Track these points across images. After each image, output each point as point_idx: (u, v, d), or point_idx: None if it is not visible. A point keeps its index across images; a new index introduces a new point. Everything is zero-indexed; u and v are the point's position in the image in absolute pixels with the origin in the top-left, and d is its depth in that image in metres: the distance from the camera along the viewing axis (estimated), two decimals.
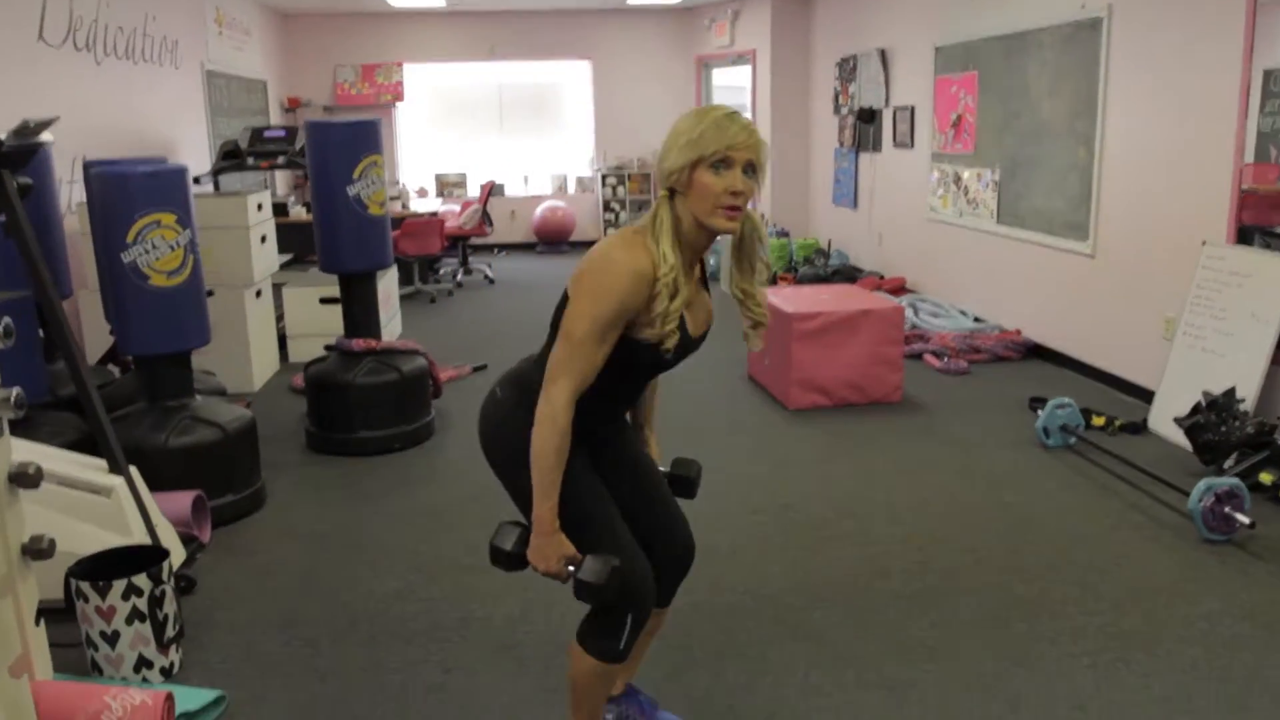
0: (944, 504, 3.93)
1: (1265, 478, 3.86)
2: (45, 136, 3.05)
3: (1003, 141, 6.46)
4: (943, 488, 4.11)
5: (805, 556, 3.50)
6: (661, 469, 2.37)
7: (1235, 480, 3.54)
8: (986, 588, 3.23)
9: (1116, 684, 2.67)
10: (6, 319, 2.18)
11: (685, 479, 2.37)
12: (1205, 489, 3.51)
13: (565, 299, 2.03)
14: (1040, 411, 4.63)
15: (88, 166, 4.01)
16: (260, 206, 5.80)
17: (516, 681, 2.73)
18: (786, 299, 5.40)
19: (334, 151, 4.38)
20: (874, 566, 3.40)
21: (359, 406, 4.53)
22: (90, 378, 3.19)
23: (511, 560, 2.05)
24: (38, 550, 2.22)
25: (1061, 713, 2.55)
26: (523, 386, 2.13)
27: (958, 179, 7.09)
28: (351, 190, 4.39)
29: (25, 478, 2.20)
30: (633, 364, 2.05)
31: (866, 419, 5.06)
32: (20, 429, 3.43)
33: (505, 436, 2.14)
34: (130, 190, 3.52)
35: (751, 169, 1.95)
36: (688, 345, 2.08)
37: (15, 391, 2.20)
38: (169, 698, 2.26)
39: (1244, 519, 3.46)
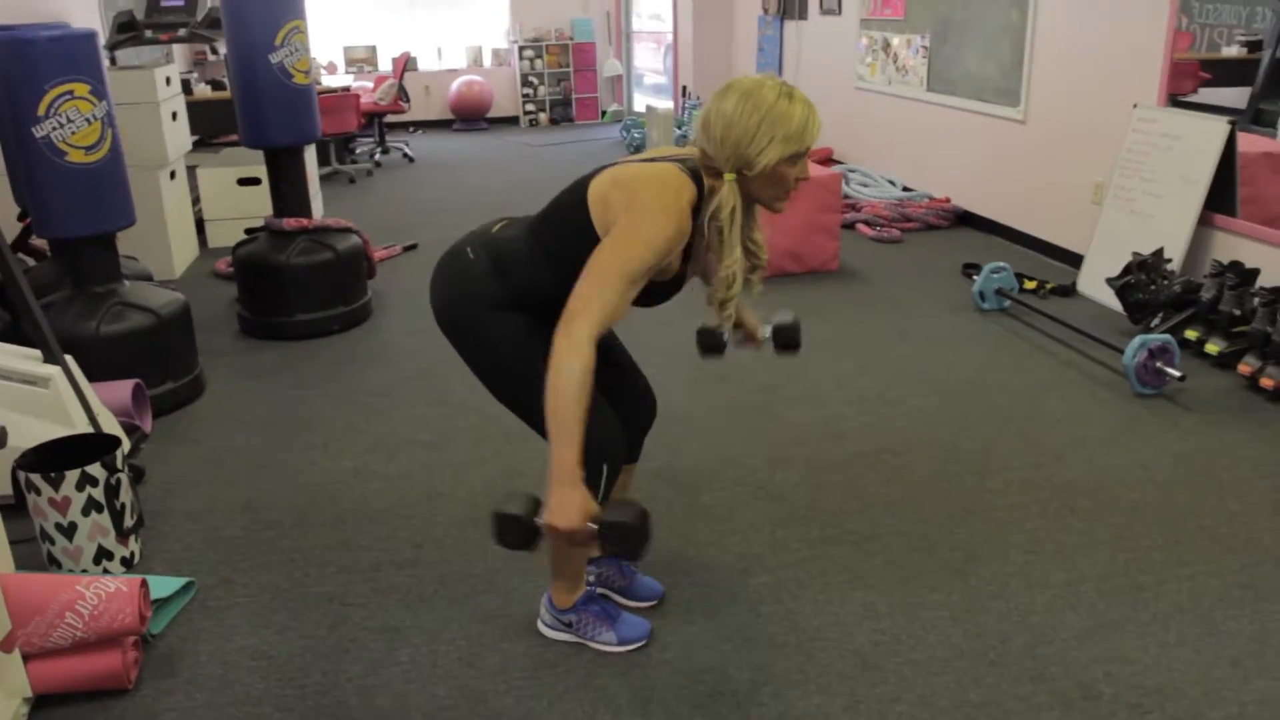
0: (889, 368, 4.02)
1: (1191, 334, 4.02)
2: None
3: (934, 6, 6.39)
4: (886, 352, 4.20)
5: (759, 421, 3.55)
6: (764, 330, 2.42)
7: (1167, 336, 3.68)
8: (936, 445, 3.34)
9: (1064, 529, 2.81)
10: None
11: (789, 327, 2.38)
12: (1139, 345, 3.64)
13: (579, 190, 2.00)
14: (976, 277, 4.73)
15: None
16: (169, 81, 5.47)
17: (488, 552, 2.74)
18: None
19: (253, 16, 4.11)
20: (828, 429, 3.48)
21: (294, 288, 4.38)
22: (16, 262, 3.01)
23: (521, 532, 1.79)
24: None
25: (1016, 557, 2.68)
26: (501, 255, 2.08)
27: (887, 46, 7.03)
28: (274, 58, 4.15)
29: None
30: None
31: (806, 287, 5.10)
32: None
33: (472, 303, 2.09)
34: (37, 57, 3.26)
35: None
36: (680, 286, 2.14)
37: None
38: (143, 584, 2.21)
39: (1175, 373, 3.62)
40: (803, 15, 8.37)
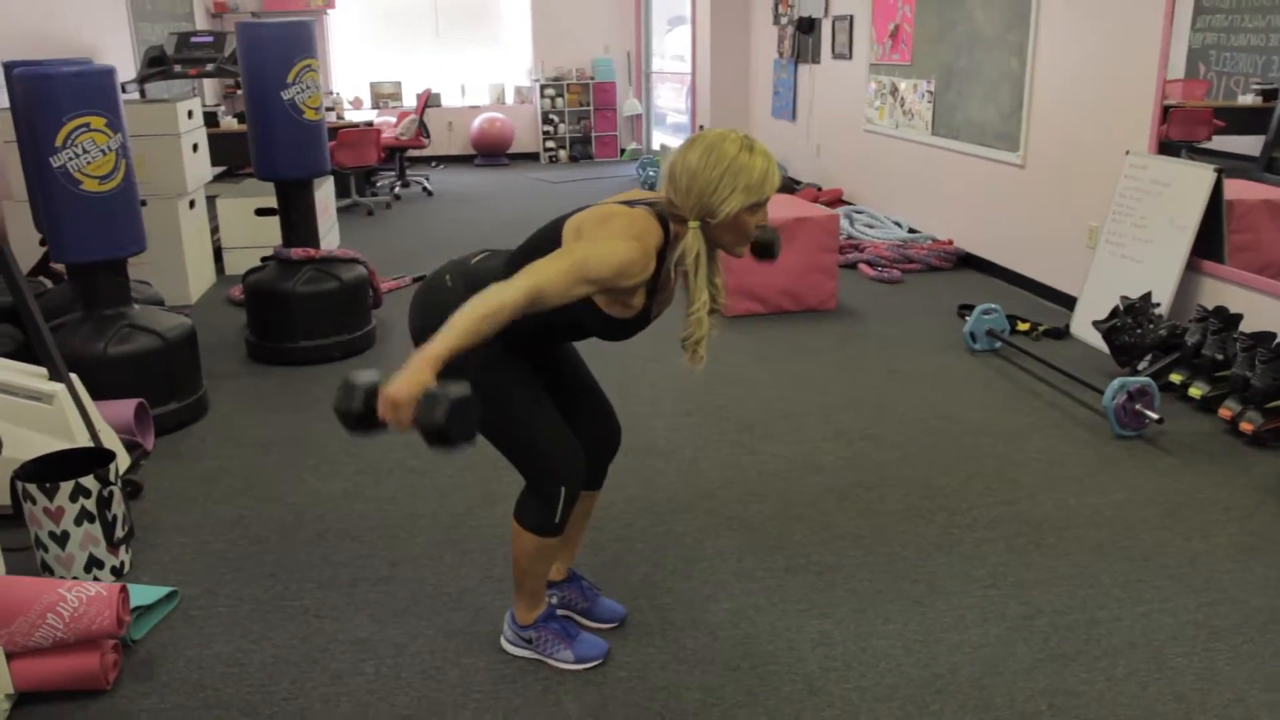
0: (874, 404, 4.09)
1: (1175, 377, 4.07)
2: None
3: (938, 52, 6.52)
4: (873, 389, 4.27)
5: (738, 454, 3.63)
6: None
7: (1146, 379, 3.73)
8: (912, 481, 3.40)
9: (1027, 564, 2.86)
10: None
11: (767, 244, 2.20)
12: (1119, 387, 3.70)
13: (556, 225, 2.10)
14: (968, 317, 4.80)
15: (8, 68, 3.89)
16: (191, 114, 5.67)
17: (461, 572, 2.84)
18: None
19: (267, 54, 4.30)
20: (806, 462, 3.55)
21: (299, 315, 4.53)
22: (26, 284, 3.16)
23: (363, 414, 1.83)
24: None
25: (976, 590, 2.73)
26: (476, 285, 2.14)
27: (894, 90, 7.15)
28: (286, 95, 4.32)
29: None
30: (593, 329, 2.18)
31: (801, 325, 5.19)
32: None
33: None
34: (56, 92, 3.44)
35: None
36: (647, 322, 2.22)
37: None
38: (123, 589, 2.32)
39: (1153, 415, 3.67)
40: (815, 59, 8.52)
